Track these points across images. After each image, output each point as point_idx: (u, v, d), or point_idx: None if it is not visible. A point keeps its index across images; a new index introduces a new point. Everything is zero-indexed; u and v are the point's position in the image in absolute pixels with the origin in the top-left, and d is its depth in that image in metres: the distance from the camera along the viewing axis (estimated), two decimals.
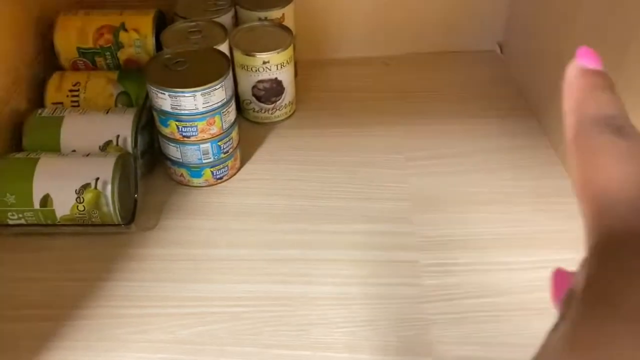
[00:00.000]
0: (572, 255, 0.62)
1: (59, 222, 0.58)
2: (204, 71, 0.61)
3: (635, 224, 0.16)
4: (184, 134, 0.61)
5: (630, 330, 0.14)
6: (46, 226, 0.59)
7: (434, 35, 0.87)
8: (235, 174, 0.68)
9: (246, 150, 0.70)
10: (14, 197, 0.57)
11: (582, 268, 0.17)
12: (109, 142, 0.63)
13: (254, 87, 0.71)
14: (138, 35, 0.71)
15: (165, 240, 0.60)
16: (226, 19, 0.73)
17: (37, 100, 0.69)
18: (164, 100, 0.59)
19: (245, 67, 0.70)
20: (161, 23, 0.73)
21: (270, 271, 0.57)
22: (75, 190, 0.57)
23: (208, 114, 0.60)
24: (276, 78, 0.71)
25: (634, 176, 0.17)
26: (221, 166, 0.66)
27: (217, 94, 0.60)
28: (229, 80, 0.61)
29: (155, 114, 0.62)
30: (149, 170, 0.68)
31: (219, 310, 0.53)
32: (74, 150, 0.62)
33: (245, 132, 0.71)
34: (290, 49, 0.71)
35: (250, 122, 0.75)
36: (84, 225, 0.59)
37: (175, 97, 0.58)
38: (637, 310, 0.14)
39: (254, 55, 0.69)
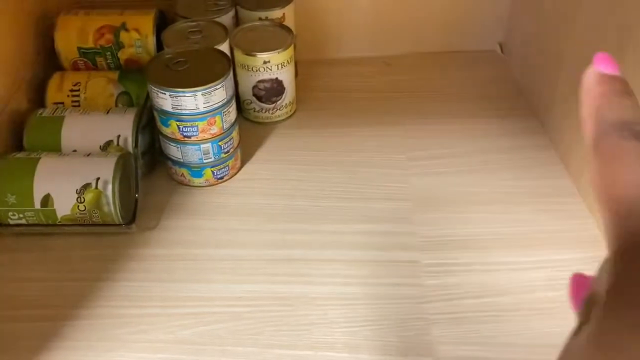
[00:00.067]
0: (572, 255, 0.62)
1: (59, 222, 0.59)
2: (204, 71, 0.61)
3: None
4: (184, 133, 0.61)
5: None
6: (47, 226, 0.59)
7: (434, 35, 0.87)
8: (235, 174, 0.68)
9: (247, 150, 0.70)
10: (14, 197, 0.57)
11: (604, 271, 0.17)
12: (109, 142, 0.63)
13: (254, 87, 0.71)
14: (139, 35, 0.71)
15: (166, 240, 0.60)
16: (227, 18, 0.73)
17: (38, 100, 0.69)
18: (165, 100, 0.59)
19: (246, 67, 0.70)
20: (162, 23, 0.73)
21: (271, 271, 0.57)
22: (76, 190, 0.57)
23: (209, 113, 0.60)
24: (277, 78, 0.71)
25: None
26: (222, 166, 0.66)
27: (218, 93, 0.60)
28: (229, 80, 0.61)
29: (156, 113, 0.62)
30: (150, 170, 0.68)
31: (220, 310, 0.53)
32: (74, 150, 0.62)
33: (246, 132, 0.71)
34: (291, 48, 0.71)
35: (250, 122, 0.75)
36: (84, 225, 0.59)
37: (176, 97, 0.59)
38: None
39: (254, 55, 0.69)
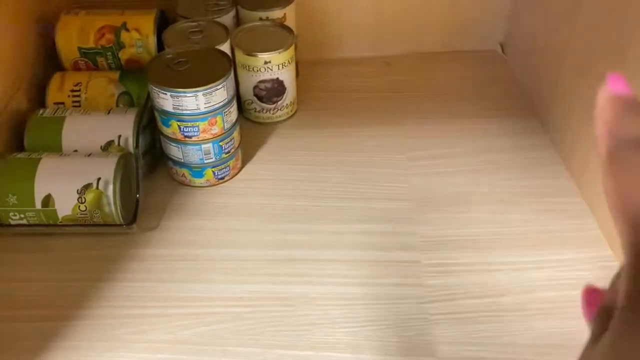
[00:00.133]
0: (573, 255, 0.62)
1: (60, 222, 0.59)
2: (205, 71, 0.61)
3: None
4: (185, 134, 0.61)
5: None
6: (48, 226, 0.59)
7: (435, 34, 0.87)
8: (236, 174, 0.68)
9: (247, 150, 0.70)
10: (15, 198, 0.57)
11: (619, 280, 0.18)
12: (110, 142, 0.63)
13: (255, 87, 0.71)
14: (139, 35, 0.71)
15: (167, 241, 0.60)
16: (227, 19, 0.73)
17: (39, 100, 0.69)
18: (166, 100, 0.59)
19: (247, 67, 0.70)
20: (162, 23, 0.73)
21: (272, 271, 0.57)
22: (77, 191, 0.57)
23: (210, 114, 0.60)
24: (277, 78, 0.71)
25: None
26: (223, 166, 0.66)
27: (219, 94, 0.60)
28: (230, 80, 0.61)
29: (156, 114, 0.62)
30: (151, 171, 0.68)
31: (221, 311, 0.53)
32: (75, 150, 0.62)
33: (247, 132, 0.71)
34: (292, 49, 0.71)
35: (251, 122, 0.75)
36: (85, 226, 0.59)
37: (177, 97, 0.59)
38: None
39: (255, 55, 0.69)
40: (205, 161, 0.64)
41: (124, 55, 0.72)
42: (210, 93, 0.59)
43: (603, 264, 0.56)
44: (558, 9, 0.69)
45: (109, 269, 0.57)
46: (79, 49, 0.72)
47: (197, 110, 0.60)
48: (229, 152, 0.65)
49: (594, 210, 0.61)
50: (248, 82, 0.71)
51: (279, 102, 0.74)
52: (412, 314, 0.53)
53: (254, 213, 0.63)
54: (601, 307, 0.20)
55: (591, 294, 0.22)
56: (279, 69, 0.70)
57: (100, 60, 0.72)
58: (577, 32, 0.64)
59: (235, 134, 0.65)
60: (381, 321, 0.52)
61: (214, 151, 0.64)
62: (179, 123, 0.61)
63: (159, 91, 0.59)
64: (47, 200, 0.57)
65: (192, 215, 0.63)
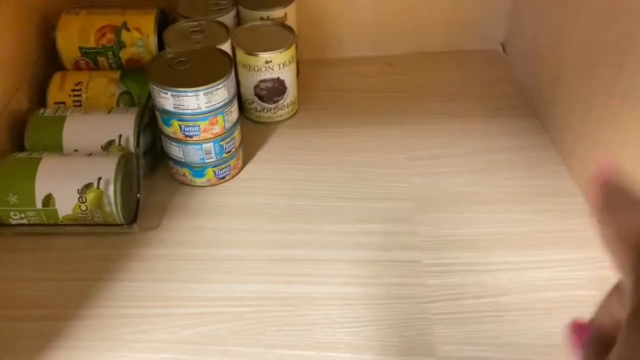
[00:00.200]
0: (573, 255, 0.62)
1: (61, 221, 0.59)
2: (206, 71, 0.61)
3: None
4: (186, 133, 0.61)
5: None
6: (48, 226, 0.59)
7: (436, 34, 0.87)
8: (237, 174, 0.68)
9: (248, 150, 0.70)
10: (16, 197, 0.57)
11: (615, 304, 0.21)
12: (111, 142, 0.63)
13: (256, 86, 0.71)
14: (140, 34, 0.71)
15: (168, 240, 0.60)
16: (228, 18, 0.73)
17: (39, 99, 0.69)
18: (167, 99, 0.59)
19: (248, 66, 0.70)
20: (163, 22, 0.73)
21: (273, 271, 0.57)
22: (78, 190, 0.57)
23: (210, 113, 0.60)
24: (278, 77, 0.71)
25: None
26: (223, 166, 0.66)
27: (220, 93, 0.60)
28: (231, 79, 0.61)
29: (157, 113, 0.62)
30: (152, 170, 0.68)
31: (222, 311, 0.53)
32: (76, 150, 0.62)
33: (248, 132, 0.71)
34: (293, 48, 0.71)
35: (252, 121, 0.75)
36: (86, 225, 0.59)
37: (178, 96, 0.59)
38: None
39: (256, 55, 0.69)
40: (206, 161, 0.64)
41: (124, 54, 0.72)
42: (211, 92, 0.59)
43: (603, 264, 0.56)
44: (560, 8, 0.69)
45: (110, 269, 0.57)
46: (80, 48, 0.72)
47: (198, 109, 0.60)
48: (229, 151, 0.65)
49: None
50: (249, 82, 0.71)
51: (280, 102, 0.74)
52: (412, 313, 0.53)
53: (255, 213, 0.63)
54: (594, 333, 0.22)
55: (578, 327, 0.24)
56: (279, 68, 0.70)
57: (101, 59, 0.72)
58: (579, 31, 0.64)
59: (236, 134, 0.65)
60: (382, 321, 0.52)
61: (215, 151, 0.64)
62: (179, 122, 0.61)
63: (160, 91, 0.59)
64: (48, 200, 0.57)
65: (192, 215, 0.63)
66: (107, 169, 0.58)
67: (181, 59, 0.62)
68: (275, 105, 0.74)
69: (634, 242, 0.20)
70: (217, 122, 0.61)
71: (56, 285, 0.56)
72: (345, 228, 0.61)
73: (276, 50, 0.69)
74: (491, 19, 0.86)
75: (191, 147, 0.63)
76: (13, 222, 0.59)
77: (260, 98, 0.73)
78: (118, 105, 0.68)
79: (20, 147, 0.64)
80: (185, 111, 0.60)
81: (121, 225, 0.59)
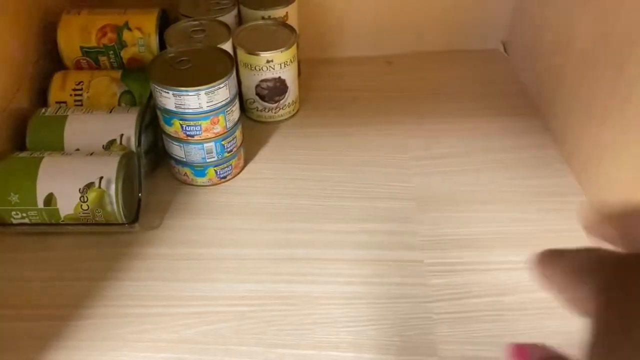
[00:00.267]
0: None
1: (62, 221, 0.59)
2: (207, 70, 0.61)
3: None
4: (187, 133, 0.61)
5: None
6: (50, 225, 0.59)
7: (437, 34, 0.87)
8: (239, 173, 0.68)
9: (250, 149, 0.70)
10: (17, 197, 0.57)
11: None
12: (112, 141, 0.63)
13: (257, 86, 0.71)
14: (141, 34, 0.71)
15: (169, 240, 0.60)
16: (229, 17, 0.73)
17: (41, 99, 0.69)
18: (168, 99, 0.59)
19: (249, 66, 0.70)
20: (164, 22, 0.73)
21: (274, 270, 0.57)
22: (79, 190, 0.57)
23: (212, 112, 0.60)
24: (279, 77, 0.71)
25: None
26: (225, 165, 0.66)
27: (221, 92, 0.60)
28: (232, 79, 0.61)
29: (159, 112, 0.62)
30: (153, 170, 0.68)
31: (223, 310, 0.53)
32: (77, 149, 0.62)
33: (249, 131, 0.71)
34: (294, 47, 0.70)
35: (253, 121, 0.75)
36: (87, 225, 0.59)
37: (179, 96, 0.58)
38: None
39: (257, 54, 0.69)
40: (208, 160, 0.64)
41: (126, 54, 0.72)
42: (213, 92, 0.59)
43: None
44: (561, 7, 0.69)
45: (112, 268, 0.57)
46: (81, 48, 0.71)
47: (200, 109, 0.59)
48: (231, 151, 0.65)
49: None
50: (250, 81, 0.71)
51: (281, 101, 0.74)
52: (414, 313, 0.53)
53: (257, 212, 0.63)
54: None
55: (521, 351, 0.24)
56: (281, 68, 0.70)
57: (102, 59, 0.72)
58: (582, 30, 0.64)
59: (238, 133, 0.65)
60: (383, 320, 0.52)
61: (216, 150, 0.64)
62: (181, 122, 0.61)
63: (161, 90, 0.59)
64: (49, 199, 0.57)
65: (194, 214, 0.63)
66: (108, 169, 0.58)
67: (182, 59, 0.62)
68: (276, 104, 0.74)
69: (590, 269, 0.21)
70: (218, 121, 0.61)
71: (57, 284, 0.56)
72: (347, 227, 0.61)
73: (277, 49, 0.69)
74: (492, 19, 0.86)
75: (192, 146, 0.63)
76: (14, 221, 0.59)
77: (262, 97, 0.73)
78: (119, 104, 0.68)
79: (22, 147, 0.64)
80: (187, 110, 0.60)
81: (123, 224, 0.59)
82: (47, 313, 0.53)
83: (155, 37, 0.71)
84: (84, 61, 0.72)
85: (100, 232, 0.60)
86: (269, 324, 0.52)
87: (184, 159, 0.64)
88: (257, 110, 0.74)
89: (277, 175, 0.68)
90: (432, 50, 0.88)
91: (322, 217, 0.62)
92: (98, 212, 0.58)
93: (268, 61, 0.69)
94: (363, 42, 0.87)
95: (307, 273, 0.56)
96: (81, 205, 0.57)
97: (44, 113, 0.65)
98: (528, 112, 0.76)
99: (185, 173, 0.66)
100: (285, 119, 0.76)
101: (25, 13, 0.70)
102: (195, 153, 0.63)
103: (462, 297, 0.54)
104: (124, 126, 0.63)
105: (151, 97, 0.63)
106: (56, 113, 0.64)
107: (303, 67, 0.82)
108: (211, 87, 0.59)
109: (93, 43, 0.71)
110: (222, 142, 0.63)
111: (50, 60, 0.73)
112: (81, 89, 0.68)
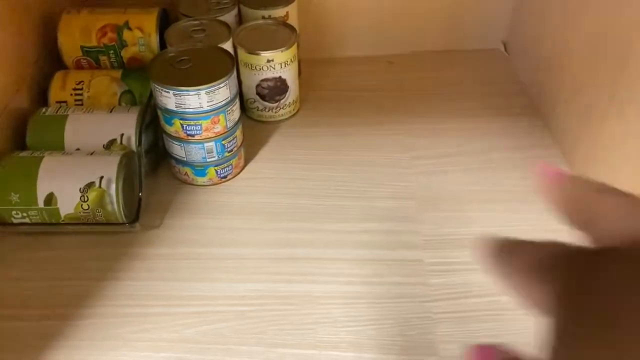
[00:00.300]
0: None
1: (63, 221, 0.59)
2: (208, 69, 0.61)
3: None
4: (188, 132, 0.61)
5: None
6: (50, 225, 0.59)
7: (438, 33, 0.87)
8: (239, 173, 0.68)
9: (250, 149, 0.70)
10: (18, 196, 0.57)
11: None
12: (113, 141, 0.63)
13: (257, 85, 0.71)
14: (142, 33, 0.71)
15: (170, 239, 0.60)
16: (230, 17, 0.73)
17: (41, 99, 0.69)
18: (168, 98, 0.59)
19: (249, 65, 0.70)
20: (165, 21, 0.73)
21: (275, 270, 0.57)
22: (80, 189, 0.57)
23: (212, 112, 0.60)
24: (280, 77, 0.71)
25: None
26: (225, 165, 0.66)
27: (222, 92, 0.60)
28: (233, 78, 0.61)
29: (159, 112, 0.62)
30: (153, 169, 0.68)
31: (224, 309, 0.53)
32: (78, 149, 0.62)
33: (249, 131, 0.71)
34: (294, 47, 0.70)
35: (254, 120, 0.75)
36: (88, 224, 0.59)
37: (180, 95, 0.58)
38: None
39: (257, 54, 0.69)
40: (208, 160, 0.64)
41: (126, 53, 0.72)
42: (213, 91, 0.59)
43: None
44: (562, 7, 0.69)
45: (112, 268, 0.57)
46: (82, 47, 0.71)
47: (200, 108, 0.59)
48: (231, 150, 0.65)
49: None
50: (250, 81, 0.71)
51: (282, 101, 0.74)
52: (414, 312, 0.53)
53: (257, 212, 0.63)
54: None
55: (484, 350, 0.23)
56: (281, 67, 0.70)
57: (103, 58, 0.72)
58: (583, 30, 0.64)
59: (238, 133, 0.65)
60: (384, 320, 0.52)
61: (217, 150, 0.64)
62: (181, 121, 0.61)
63: (162, 89, 0.59)
64: (50, 199, 0.57)
65: (194, 214, 0.63)
66: (109, 168, 0.58)
67: (183, 58, 0.62)
68: (277, 104, 0.74)
69: (552, 266, 0.20)
70: (219, 121, 0.61)
71: (58, 284, 0.56)
72: (347, 227, 0.61)
73: (278, 49, 0.69)
74: (492, 18, 0.86)
75: (193, 146, 0.63)
76: (15, 221, 0.59)
77: (262, 97, 0.73)
78: (120, 104, 0.68)
79: (22, 147, 0.64)
80: (187, 110, 0.60)
81: (123, 224, 0.59)
82: (47, 312, 0.53)
83: (156, 36, 0.71)
84: (85, 61, 0.72)
85: (101, 232, 0.60)
86: (269, 324, 0.52)
87: (185, 159, 0.64)
88: (257, 110, 0.74)
89: (278, 175, 0.68)
90: (433, 49, 0.88)
91: (322, 217, 0.62)
92: (98, 212, 0.58)
93: (268, 61, 0.69)
94: (363, 42, 0.87)
95: (307, 273, 0.56)
96: (81, 205, 0.57)
97: (44, 113, 0.65)
98: (528, 112, 0.76)
99: (186, 173, 0.66)
100: (286, 119, 0.76)
101: (25, 13, 0.70)
102: (195, 153, 0.63)
103: (462, 297, 0.54)
104: (125, 126, 0.63)
105: (151, 96, 0.63)
106: (56, 113, 0.64)
107: (303, 66, 0.82)
108: (212, 86, 0.59)
109: (93, 43, 0.71)
110: (223, 142, 0.63)
111: (50, 60, 0.73)
112: (81, 89, 0.68)
